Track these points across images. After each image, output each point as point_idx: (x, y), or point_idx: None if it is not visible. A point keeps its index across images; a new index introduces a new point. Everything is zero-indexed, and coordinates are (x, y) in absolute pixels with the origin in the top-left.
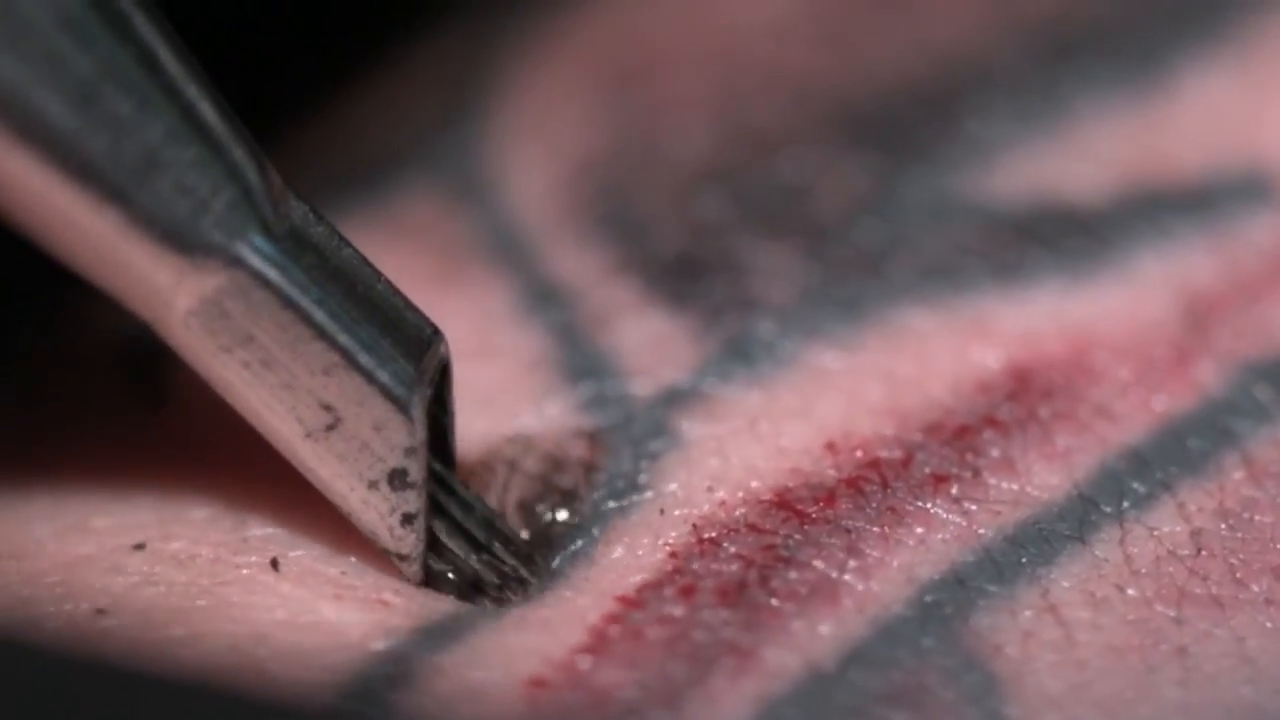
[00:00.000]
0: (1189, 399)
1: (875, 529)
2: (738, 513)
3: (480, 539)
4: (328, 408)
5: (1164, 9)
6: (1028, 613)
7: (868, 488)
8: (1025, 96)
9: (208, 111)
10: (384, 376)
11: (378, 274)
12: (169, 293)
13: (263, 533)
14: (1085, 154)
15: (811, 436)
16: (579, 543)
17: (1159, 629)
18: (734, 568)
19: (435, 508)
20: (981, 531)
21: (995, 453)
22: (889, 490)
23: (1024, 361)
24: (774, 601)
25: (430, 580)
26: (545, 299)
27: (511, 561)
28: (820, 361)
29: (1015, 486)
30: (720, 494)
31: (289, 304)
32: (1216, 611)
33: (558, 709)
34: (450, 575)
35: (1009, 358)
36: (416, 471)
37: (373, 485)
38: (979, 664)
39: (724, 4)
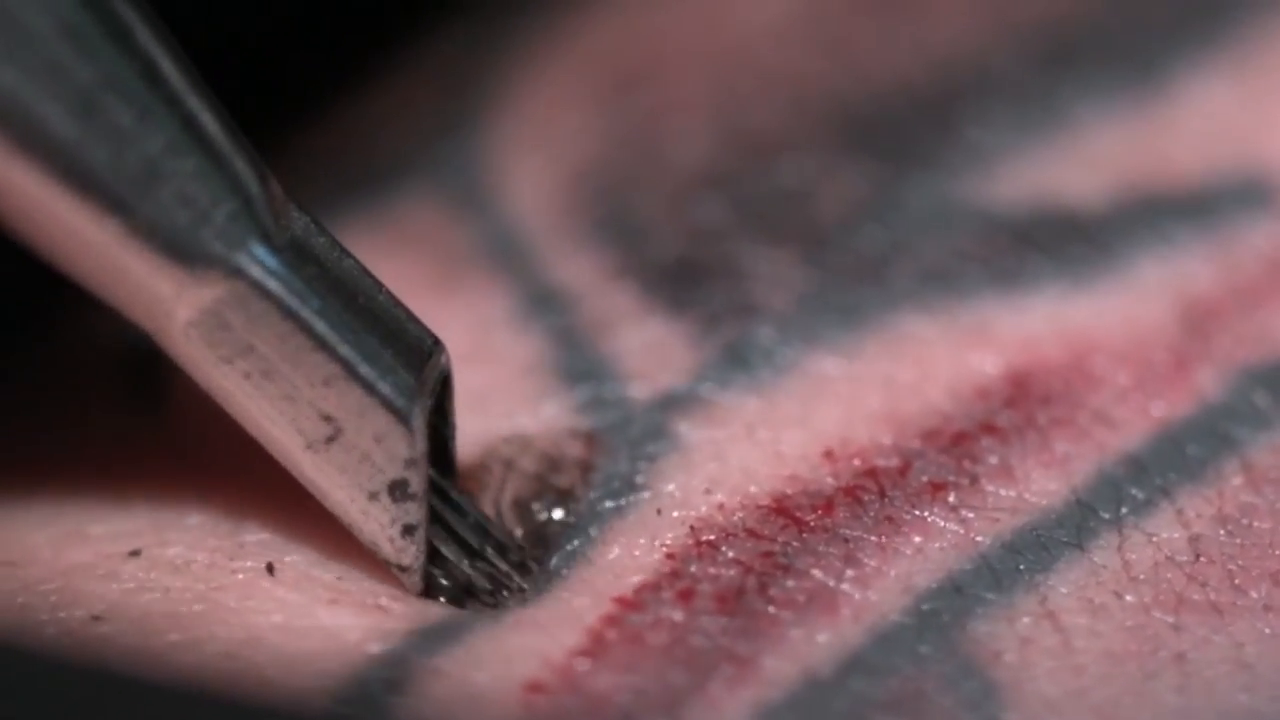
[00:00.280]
0: (1188, 405)
1: (873, 538)
2: (736, 517)
3: (474, 544)
4: (328, 419)
5: (1163, 15)
6: (1026, 619)
7: (865, 497)
8: (1025, 102)
9: (209, 122)
10: (385, 388)
11: (379, 285)
12: (169, 303)
13: (258, 538)
14: (1085, 160)
15: (810, 444)
16: (575, 542)
17: (1157, 635)
18: (732, 573)
19: (430, 515)
20: (979, 539)
21: (993, 459)
22: (886, 499)
23: (1023, 367)
24: (772, 610)
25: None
26: (544, 304)
27: (505, 567)
28: (819, 368)
29: (1013, 493)
30: (718, 497)
31: (290, 315)
32: (1215, 618)
33: (555, 713)
34: (443, 581)
35: (1008, 363)
36: (417, 483)
37: (373, 496)
38: (977, 671)
39: (723, 9)
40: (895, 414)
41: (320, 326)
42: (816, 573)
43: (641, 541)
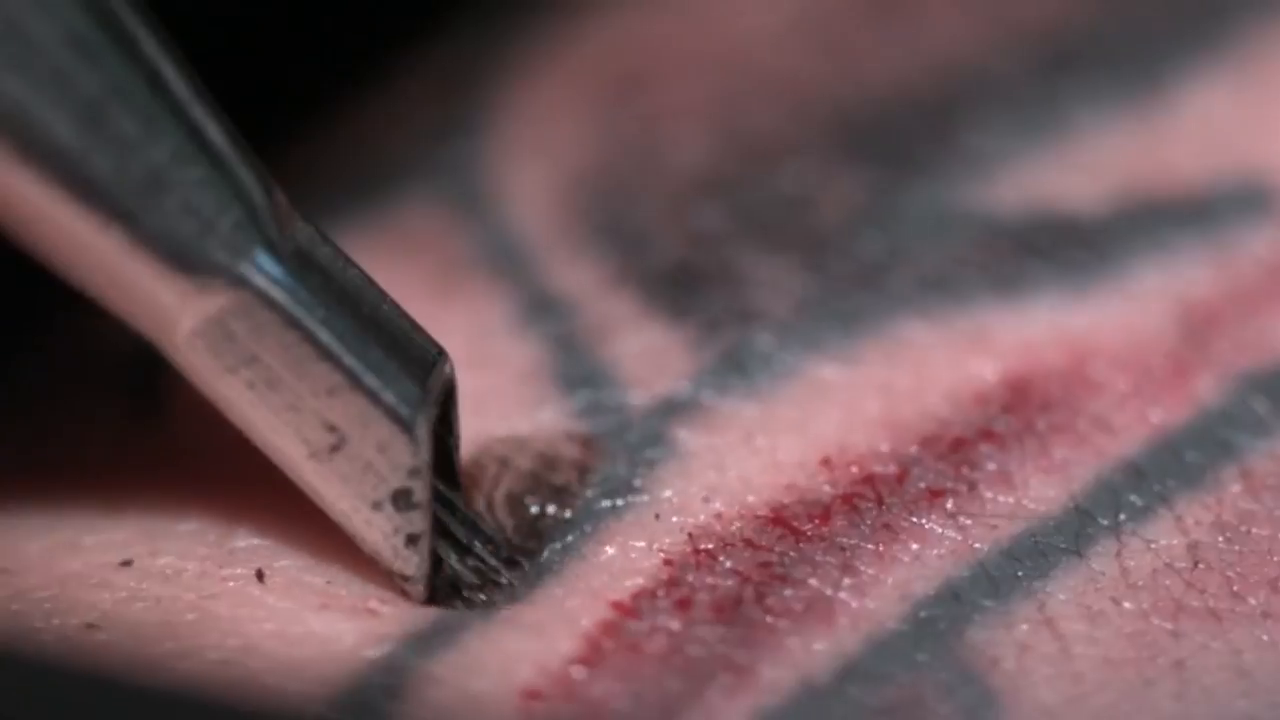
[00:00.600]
0: (1186, 411)
1: (870, 546)
2: (734, 527)
3: (462, 539)
4: (332, 428)
5: (1163, 21)
6: (1024, 626)
7: (863, 504)
8: (1025, 108)
9: (214, 132)
10: (389, 397)
11: (383, 295)
12: (174, 312)
13: (248, 544)
14: (1084, 166)
15: (808, 451)
16: (569, 537)
17: (1155, 642)
18: (730, 583)
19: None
20: (977, 546)
21: (992, 466)
22: (884, 507)
23: (1022, 373)
24: (769, 619)
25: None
26: (543, 310)
27: (493, 562)
28: (818, 374)
29: (1011, 500)
30: (716, 506)
31: (294, 324)
32: (1213, 624)
33: None
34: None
35: (1007, 370)
36: (421, 492)
37: (377, 506)
38: (975, 678)
39: (722, 14)
40: (893, 420)
41: (325, 336)
42: (814, 581)
43: (639, 545)
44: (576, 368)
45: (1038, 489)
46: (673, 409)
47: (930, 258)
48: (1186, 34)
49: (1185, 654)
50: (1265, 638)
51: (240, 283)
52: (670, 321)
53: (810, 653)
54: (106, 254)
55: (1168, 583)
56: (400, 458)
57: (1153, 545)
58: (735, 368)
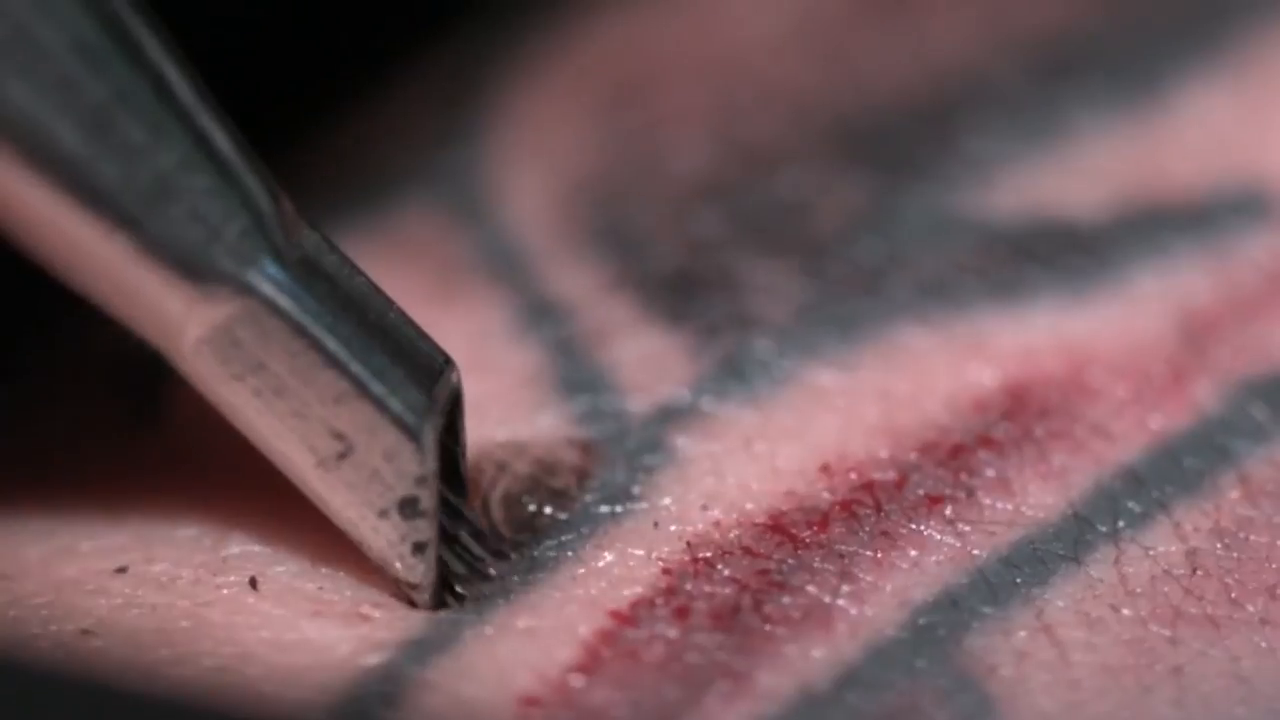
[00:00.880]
0: (1185, 418)
1: (868, 553)
2: (732, 534)
3: (445, 526)
4: (339, 436)
5: (1162, 26)
6: (1022, 633)
7: (861, 511)
8: (1023, 114)
9: (220, 139)
10: (396, 405)
11: (389, 302)
12: (180, 320)
13: (241, 550)
14: (1083, 171)
15: (806, 457)
16: (566, 537)
17: (1154, 649)
18: (728, 591)
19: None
20: (976, 552)
21: (990, 472)
22: (882, 513)
23: (1020, 379)
24: (768, 626)
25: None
26: (542, 315)
27: (478, 551)
28: (816, 380)
29: (1010, 506)
30: (715, 513)
31: (301, 332)
32: (1211, 631)
33: None
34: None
35: (1005, 376)
36: (428, 500)
37: (383, 514)
38: (973, 685)
39: (721, 21)
40: (892, 427)
41: (331, 344)
42: (812, 589)
43: (638, 553)
44: (576, 373)
45: (1036, 496)
46: (671, 415)
47: (929, 263)
48: (1185, 40)
49: (1183, 661)
50: (1263, 644)
51: (247, 290)
52: (669, 327)
53: (809, 660)
54: (113, 261)
55: (1166, 590)
56: (407, 466)
57: (1151, 552)
58: (734, 374)
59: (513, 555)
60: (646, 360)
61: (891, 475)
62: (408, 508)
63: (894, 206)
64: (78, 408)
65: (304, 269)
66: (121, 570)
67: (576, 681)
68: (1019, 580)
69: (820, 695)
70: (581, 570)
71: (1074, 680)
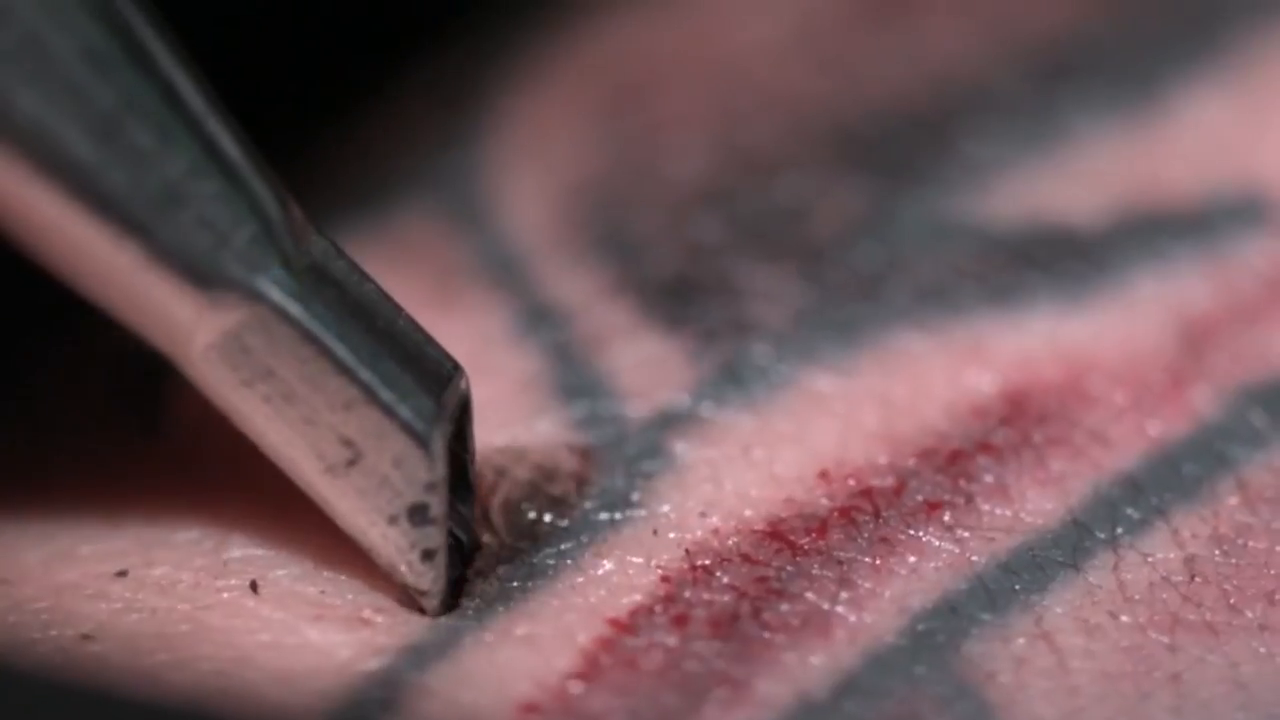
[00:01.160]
0: (1184, 424)
1: (867, 559)
2: (731, 541)
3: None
4: (348, 443)
5: (1161, 32)
6: (1021, 640)
7: (860, 517)
8: (1022, 119)
9: (229, 145)
10: (405, 412)
11: (398, 309)
12: (189, 326)
13: (242, 554)
14: (1081, 177)
15: (805, 464)
16: (566, 545)
17: (1152, 655)
18: (726, 598)
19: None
20: (974, 559)
21: (989, 478)
22: (881, 519)
23: (1019, 385)
24: (766, 634)
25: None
26: (541, 320)
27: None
28: (815, 386)
29: (1009, 512)
30: (714, 520)
31: (310, 339)
32: (1210, 638)
33: None
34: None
35: (1004, 381)
36: (437, 507)
37: (392, 520)
38: (972, 692)
39: (720, 26)
40: (891, 432)
41: (340, 351)
42: (810, 595)
43: (637, 560)
44: (575, 378)
45: (1035, 502)
46: (670, 421)
47: (928, 269)
48: (1184, 45)
49: (1182, 667)
50: (1262, 650)
51: (256, 297)
52: (668, 332)
53: (807, 667)
54: (121, 268)
55: (1164, 596)
56: (416, 473)
57: (1149, 559)
58: (733, 379)
59: (513, 562)
60: (645, 365)
61: (890, 481)
62: (417, 514)
63: (893, 212)
64: (78, 412)
65: (313, 275)
66: (121, 574)
67: (575, 689)
68: (1018, 587)
69: (819, 703)
70: (581, 578)
71: (1073, 687)
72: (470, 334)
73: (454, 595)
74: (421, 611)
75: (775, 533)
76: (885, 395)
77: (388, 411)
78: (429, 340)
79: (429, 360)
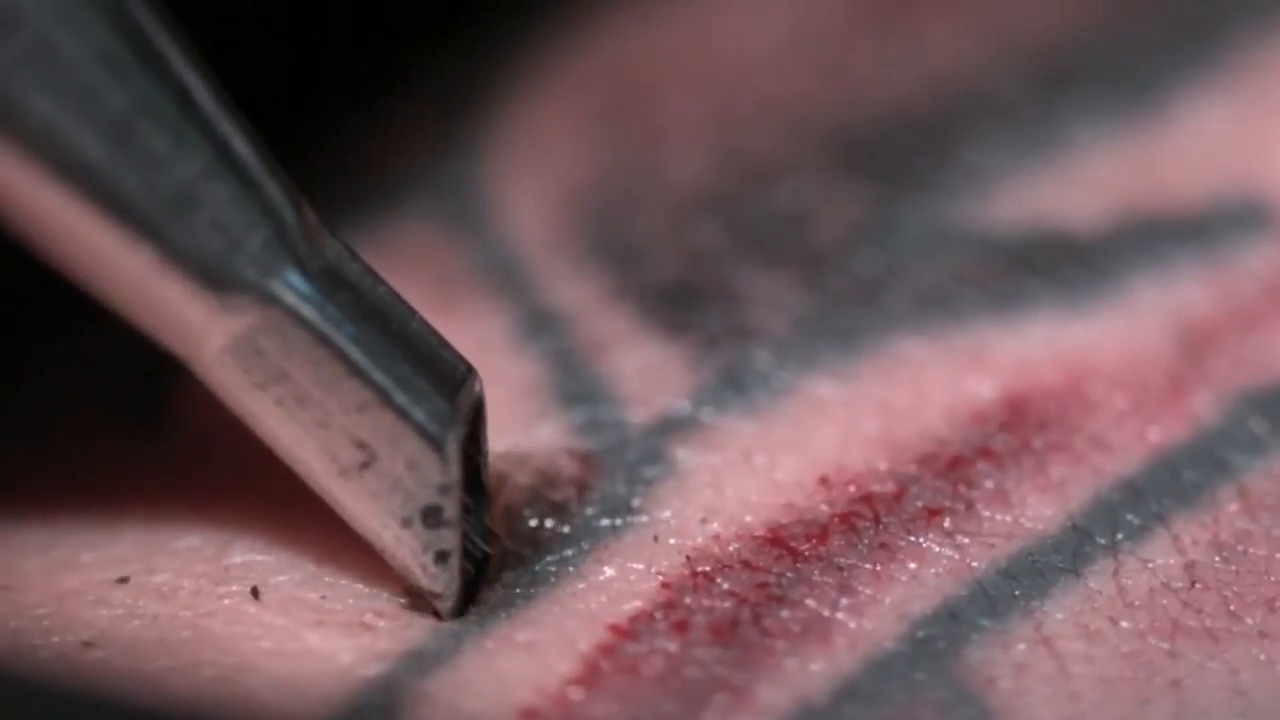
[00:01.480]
0: (1184, 430)
1: (867, 566)
2: (731, 548)
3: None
4: (362, 445)
5: (1161, 38)
6: (1021, 646)
7: (860, 524)
8: (1022, 125)
9: (243, 148)
10: (419, 414)
11: (412, 311)
12: (203, 329)
13: (243, 560)
14: (1082, 182)
15: (805, 469)
16: (568, 552)
17: (1152, 661)
18: (727, 605)
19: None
20: (974, 565)
21: (989, 484)
22: (881, 525)
23: (1019, 391)
24: (766, 640)
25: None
26: (541, 326)
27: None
28: (815, 392)
29: (1009, 518)
30: (714, 526)
31: (324, 341)
32: (1210, 644)
33: None
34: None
35: (1004, 387)
36: (451, 509)
37: (406, 523)
38: (972, 697)
39: (720, 32)
40: (891, 438)
41: (354, 353)
42: (811, 602)
43: (637, 567)
44: (575, 384)
45: (1035, 508)
46: (671, 427)
47: (928, 275)
48: (1184, 51)
49: (1182, 674)
50: (1262, 657)
51: (270, 300)
52: (668, 338)
53: (807, 673)
54: (136, 271)
55: (1165, 602)
56: (430, 475)
57: (1150, 565)
58: (733, 385)
59: (514, 568)
60: (645, 371)
61: (890, 487)
62: (431, 517)
63: (893, 218)
64: (79, 418)
65: (327, 278)
66: (123, 581)
67: (575, 695)
68: (1018, 593)
69: (819, 709)
70: (582, 585)
71: (1073, 693)
72: (470, 340)
73: (468, 598)
74: (435, 615)
75: (776, 539)
76: (886, 401)
77: (402, 414)
78: (443, 343)
79: (443, 363)
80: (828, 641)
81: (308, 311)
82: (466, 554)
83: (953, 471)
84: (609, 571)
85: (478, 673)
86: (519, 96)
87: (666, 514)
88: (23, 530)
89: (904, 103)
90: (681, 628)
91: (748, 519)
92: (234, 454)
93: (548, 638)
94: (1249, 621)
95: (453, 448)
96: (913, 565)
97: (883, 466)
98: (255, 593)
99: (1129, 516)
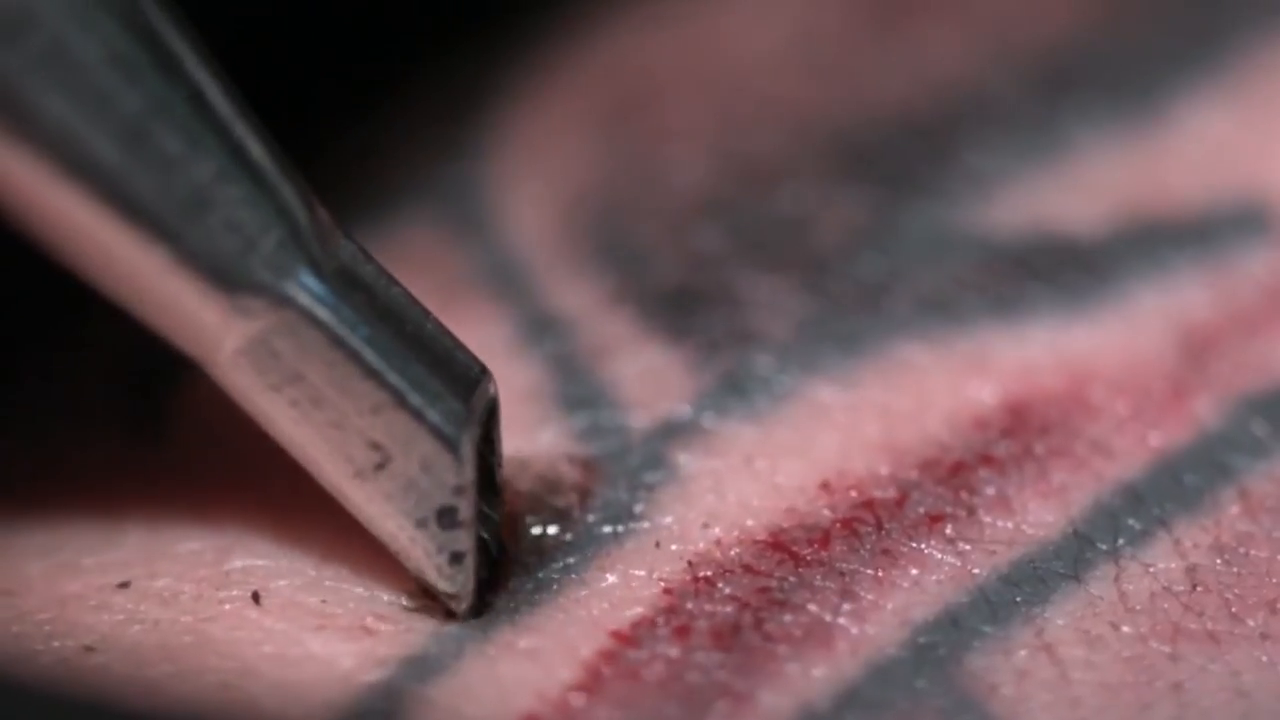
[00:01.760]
0: (1185, 434)
1: (869, 571)
2: (733, 552)
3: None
4: (377, 447)
5: (1162, 42)
6: (1022, 652)
7: (862, 529)
8: (1023, 129)
9: (256, 149)
10: (433, 415)
11: (426, 313)
12: (217, 331)
13: (244, 564)
14: (1083, 187)
15: (807, 475)
16: (570, 559)
17: (1154, 665)
18: (729, 609)
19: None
20: (976, 571)
21: (990, 490)
22: (883, 531)
23: (1021, 396)
24: (768, 645)
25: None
26: (543, 331)
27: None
28: (817, 397)
29: (1010, 525)
30: (716, 531)
31: (338, 343)
32: (1212, 647)
33: None
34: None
35: (1006, 392)
36: (465, 510)
37: (421, 524)
38: (974, 704)
39: (721, 36)
40: (893, 444)
41: (369, 354)
42: (813, 607)
43: (640, 573)
44: (576, 389)
45: (1036, 514)
46: (672, 431)
47: (929, 279)
48: (1185, 55)
49: (1184, 677)
50: (1264, 659)
51: (284, 301)
52: (670, 343)
53: (809, 679)
54: (150, 273)
55: (1166, 606)
56: (444, 476)
57: (1151, 569)
58: (735, 390)
59: (517, 574)
60: (647, 376)
61: (892, 493)
62: (445, 518)
63: (894, 222)
64: (80, 423)
65: (341, 279)
66: (124, 585)
67: (577, 701)
68: (1019, 599)
69: (821, 714)
70: (584, 591)
71: (1075, 698)
72: (472, 344)
73: (482, 598)
74: (444, 614)
75: (777, 544)
76: (887, 406)
77: (416, 415)
78: (457, 344)
79: (457, 364)
80: (829, 647)
81: (322, 313)
82: (480, 554)
83: (954, 477)
84: (611, 577)
85: (479, 678)
86: (521, 101)
87: (668, 519)
88: (24, 535)
89: (905, 107)
90: (683, 633)
91: (749, 524)
92: (235, 459)
93: (550, 643)
94: (1250, 624)
95: (467, 449)
96: (914, 571)
97: (884, 472)
98: (256, 598)
99: (1130, 521)
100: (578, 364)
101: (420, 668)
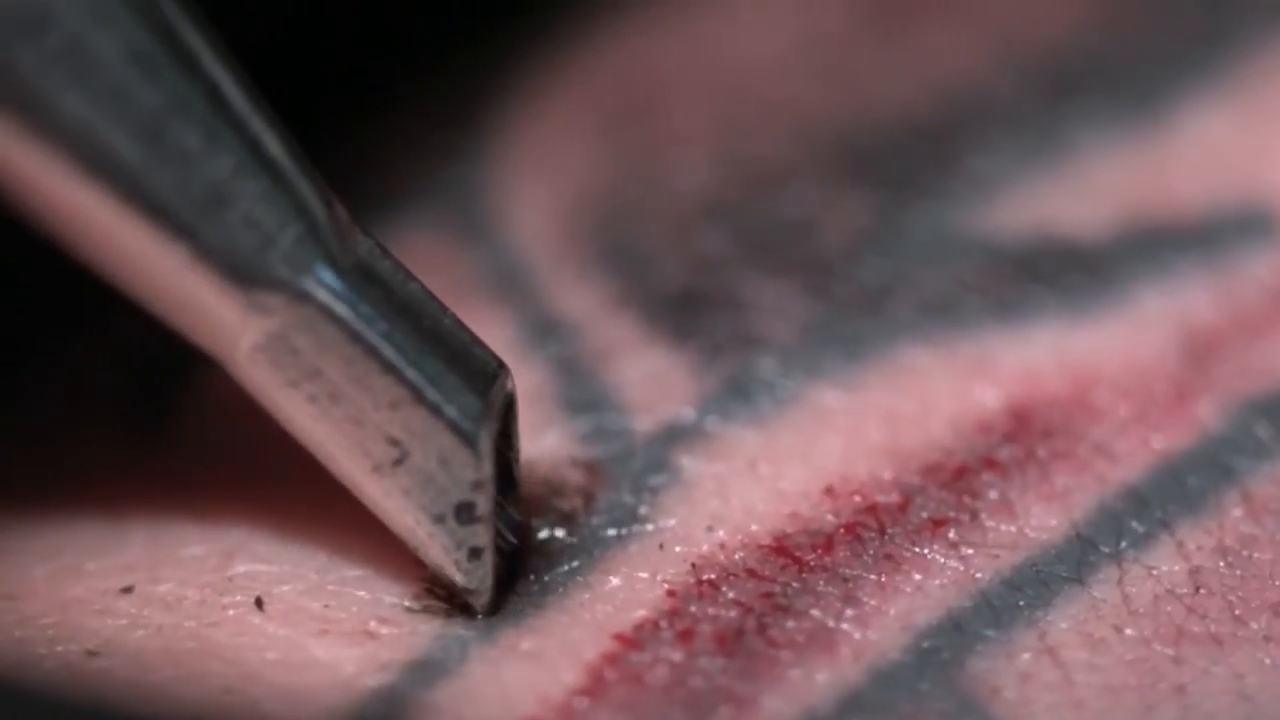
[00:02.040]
0: (1188, 437)
1: (872, 577)
2: (737, 556)
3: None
4: (395, 442)
5: (1165, 46)
6: (1025, 655)
7: (865, 534)
8: (1026, 132)
9: (274, 145)
10: (451, 411)
11: (444, 308)
12: (235, 327)
13: (247, 569)
14: (1086, 190)
15: (810, 479)
16: (575, 562)
17: (1157, 668)
18: (732, 614)
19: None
20: (979, 575)
21: (993, 494)
22: (886, 536)
23: (1024, 400)
24: (771, 650)
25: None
26: (546, 334)
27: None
28: (821, 401)
29: (1013, 529)
30: (720, 535)
31: (356, 338)
32: (1215, 649)
33: None
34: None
35: (1009, 396)
36: (484, 506)
37: (439, 519)
38: (977, 707)
39: (725, 39)
40: (896, 448)
41: (387, 350)
42: (816, 612)
43: (643, 575)
44: (580, 392)
45: (1039, 517)
46: (676, 435)
47: (933, 283)
48: (1187, 59)
49: (1187, 679)
50: (1267, 661)
51: (302, 297)
52: (673, 346)
53: (812, 684)
54: (168, 269)
55: (1169, 609)
56: (463, 471)
57: (1154, 571)
58: (738, 393)
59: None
60: (651, 379)
61: (895, 497)
62: (464, 513)
63: (898, 225)
64: (83, 427)
65: (359, 275)
66: (127, 590)
67: (581, 705)
68: (1022, 602)
69: (824, 719)
70: (588, 594)
71: (1078, 701)
72: None
73: (501, 594)
74: (443, 613)
75: (781, 548)
76: (891, 410)
77: (434, 410)
78: (475, 339)
79: (475, 359)
80: (833, 652)
81: (340, 308)
82: (498, 549)
83: (957, 482)
84: (614, 581)
85: (482, 682)
86: (525, 104)
87: (672, 523)
88: (28, 539)
89: (909, 110)
90: (687, 637)
91: (753, 528)
92: (238, 463)
93: (553, 647)
94: (1254, 626)
95: (485, 444)
96: (917, 576)
97: (888, 476)
98: (259, 603)
99: (1133, 524)
100: (582, 367)
101: (423, 672)
